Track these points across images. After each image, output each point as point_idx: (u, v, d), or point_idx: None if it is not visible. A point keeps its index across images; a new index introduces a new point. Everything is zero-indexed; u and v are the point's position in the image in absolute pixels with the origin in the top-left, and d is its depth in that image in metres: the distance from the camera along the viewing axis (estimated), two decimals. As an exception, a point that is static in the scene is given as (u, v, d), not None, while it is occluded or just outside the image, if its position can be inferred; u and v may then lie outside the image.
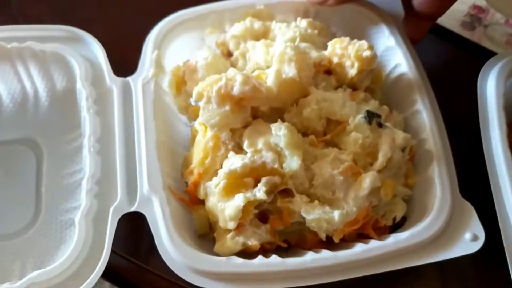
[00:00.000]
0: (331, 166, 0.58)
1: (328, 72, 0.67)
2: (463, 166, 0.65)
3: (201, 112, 0.59)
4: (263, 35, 0.70)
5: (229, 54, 0.70)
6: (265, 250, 0.60)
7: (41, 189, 0.67)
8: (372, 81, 0.67)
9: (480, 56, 0.80)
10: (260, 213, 0.60)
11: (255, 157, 0.57)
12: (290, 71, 0.59)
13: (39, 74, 0.70)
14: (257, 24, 0.70)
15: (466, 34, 0.85)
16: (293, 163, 0.57)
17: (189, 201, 0.62)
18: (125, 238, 0.65)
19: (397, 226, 0.63)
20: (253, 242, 0.57)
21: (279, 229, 0.61)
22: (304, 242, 0.61)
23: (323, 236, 0.58)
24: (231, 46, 0.70)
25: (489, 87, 0.68)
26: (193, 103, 0.61)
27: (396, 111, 0.67)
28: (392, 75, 0.70)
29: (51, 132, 0.70)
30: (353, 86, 0.66)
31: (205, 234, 0.63)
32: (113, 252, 0.62)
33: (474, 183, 0.66)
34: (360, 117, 0.60)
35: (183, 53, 0.71)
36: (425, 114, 0.64)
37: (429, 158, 0.62)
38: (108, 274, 0.62)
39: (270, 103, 0.60)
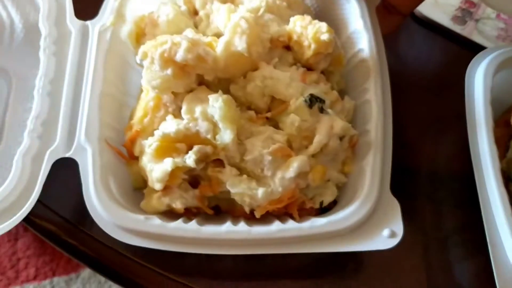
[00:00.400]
0: (262, 144, 0.59)
1: (287, 47, 0.66)
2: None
3: (143, 72, 0.59)
4: (232, -1, 0.68)
5: (195, 13, 0.69)
6: (192, 214, 0.62)
7: (5, 119, 0.69)
8: (331, 63, 0.66)
9: (470, 50, 0.79)
10: (193, 178, 0.62)
11: (191, 124, 0.58)
12: (240, 44, 0.59)
13: (12, 5, 0.70)
14: (227, -13, 0.68)
15: (457, 28, 0.84)
16: (225, 136, 0.58)
17: (127, 155, 0.63)
18: (63, 188, 0.66)
19: (327, 209, 0.64)
20: (178, 205, 0.59)
21: (211, 195, 0.62)
22: (234, 210, 0.63)
23: (246, 209, 0.60)
24: (197, 5, 0.68)
25: (477, 81, 0.67)
26: (138, 61, 0.62)
27: (348, 97, 0.66)
28: (354, 59, 0.69)
29: (22, 65, 0.71)
30: (309, 66, 0.65)
31: (140, 188, 0.64)
32: (48, 208, 0.65)
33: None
34: (301, 100, 0.60)
35: (149, 3, 0.70)
36: (374, 105, 0.64)
37: (367, 150, 0.62)
38: (41, 229, 0.66)
39: (216, 73, 0.60)
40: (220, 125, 0.58)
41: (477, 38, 0.83)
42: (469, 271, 0.66)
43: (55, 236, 0.65)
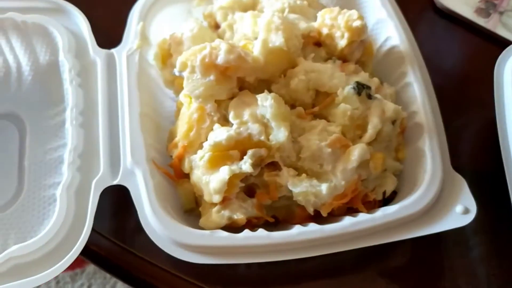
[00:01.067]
0: (318, 138, 0.56)
1: (317, 44, 0.65)
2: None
3: (185, 82, 0.57)
4: (252, 6, 0.68)
5: (217, 26, 0.69)
6: (252, 225, 0.58)
7: (23, 164, 0.65)
8: (363, 53, 0.65)
9: (494, 43, 0.78)
10: (247, 187, 0.59)
11: (241, 129, 0.56)
12: (277, 40, 0.57)
13: (21, 46, 0.68)
14: (246, -4, 0.68)
15: (480, 21, 0.82)
16: (279, 134, 0.56)
17: (174, 175, 0.60)
18: (110, 215, 0.63)
19: (388, 201, 0.61)
20: (239, 216, 0.56)
21: (267, 204, 0.59)
22: (293, 217, 0.60)
23: (310, 210, 0.57)
24: (219, 17, 0.68)
25: (506, 77, 0.66)
26: (177, 73, 0.60)
27: (387, 83, 0.65)
28: (383, 48, 0.68)
29: (35, 107, 0.68)
30: (343, 58, 0.64)
31: (191, 210, 0.61)
32: (97, 233, 0.61)
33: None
34: (349, 88, 0.59)
35: (170, 25, 0.69)
36: (416, 86, 0.63)
37: (420, 131, 0.61)
38: (92, 255, 0.62)
39: (256, 73, 0.59)
40: (273, 124, 0.56)
41: (502, 31, 0.81)
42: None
43: (109, 262, 0.61)
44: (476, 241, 0.63)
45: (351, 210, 0.60)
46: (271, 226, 0.60)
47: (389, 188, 0.60)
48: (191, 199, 0.60)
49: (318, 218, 0.58)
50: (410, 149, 0.62)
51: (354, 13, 0.62)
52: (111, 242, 0.62)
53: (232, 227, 0.57)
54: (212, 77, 0.56)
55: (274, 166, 0.58)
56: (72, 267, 1.30)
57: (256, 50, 0.58)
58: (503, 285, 0.61)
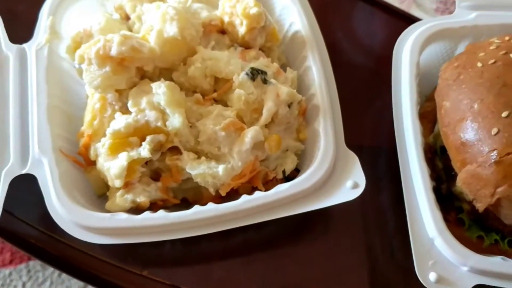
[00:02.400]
0: (213, 122, 0.59)
1: (223, 32, 0.68)
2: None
3: (84, 74, 0.60)
4: (160, -3, 0.70)
5: (127, 18, 0.71)
6: (159, 207, 0.62)
7: None
8: (267, 39, 0.68)
9: (409, 24, 0.78)
10: (154, 172, 0.62)
11: (139, 116, 0.59)
12: (171, 30, 0.60)
13: None
14: (154, -13, 0.70)
15: (395, 2, 0.85)
16: (175, 120, 0.59)
17: (83, 163, 0.63)
18: (33, 203, 0.66)
19: (292, 179, 0.65)
20: (142, 199, 0.59)
21: (176, 187, 0.63)
22: (201, 198, 0.63)
23: (211, 190, 0.60)
24: (128, 9, 0.70)
25: (404, 55, 0.68)
26: (76, 66, 0.62)
27: (290, 68, 0.68)
28: (288, 34, 0.71)
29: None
30: (247, 45, 0.67)
31: (105, 195, 0.64)
32: (22, 221, 0.65)
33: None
34: (243, 74, 0.61)
35: (84, 19, 0.71)
36: (314, 69, 0.66)
37: (316, 112, 0.64)
38: (20, 243, 0.66)
39: (155, 63, 0.61)
40: (168, 110, 0.59)
41: (416, 12, 0.84)
42: (398, 245, 0.66)
43: (29, 245, 0.64)
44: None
45: (255, 190, 0.63)
46: (182, 208, 0.63)
47: (289, 166, 0.64)
48: (101, 185, 0.63)
49: (225, 198, 0.61)
50: (309, 130, 0.65)
51: (250, 1, 0.64)
52: (36, 229, 0.66)
53: (139, 210, 0.61)
54: (108, 68, 0.59)
55: (176, 150, 0.61)
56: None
57: (152, 40, 0.60)
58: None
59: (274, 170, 0.64)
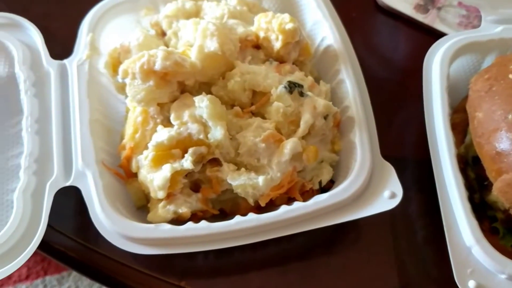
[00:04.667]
0: (253, 134, 0.61)
1: (257, 47, 0.70)
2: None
3: (127, 88, 0.61)
4: (195, 14, 0.72)
5: (163, 34, 0.73)
6: (199, 218, 0.63)
7: None
8: (300, 53, 0.70)
9: (434, 38, 0.80)
10: (193, 183, 0.64)
11: (181, 129, 0.61)
12: (212, 45, 0.62)
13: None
14: (189, 4, 0.72)
15: (419, 17, 0.87)
16: (217, 133, 0.60)
17: (125, 175, 0.65)
18: (72, 215, 0.68)
19: (327, 190, 0.66)
20: (184, 210, 0.60)
21: (214, 198, 0.64)
22: (238, 209, 0.65)
23: (251, 201, 0.62)
24: (164, 25, 0.72)
25: (434, 69, 0.70)
26: (120, 80, 0.64)
27: (323, 81, 0.70)
28: (320, 48, 0.73)
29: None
30: (281, 59, 0.69)
31: (143, 207, 0.66)
32: (61, 233, 0.66)
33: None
34: (281, 87, 0.63)
35: (120, 35, 0.73)
36: (348, 82, 0.67)
37: (351, 124, 0.65)
38: (58, 254, 0.67)
39: (195, 77, 0.63)
40: (210, 123, 0.60)
41: (439, 26, 0.86)
42: (430, 254, 0.67)
43: (67, 257, 0.65)
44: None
45: (292, 200, 0.64)
46: (220, 219, 0.64)
47: (325, 177, 0.65)
48: (141, 197, 0.65)
49: (263, 209, 0.62)
50: (344, 141, 0.66)
51: (286, 17, 0.66)
52: (75, 241, 0.67)
53: (180, 221, 0.62)
54: (151, 83, 0.60)
55: (216, 162, 0.63)
56: (58, 270, 1.35)
57: (193, 55, 0.62)
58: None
59: (310, 181, 0.65)
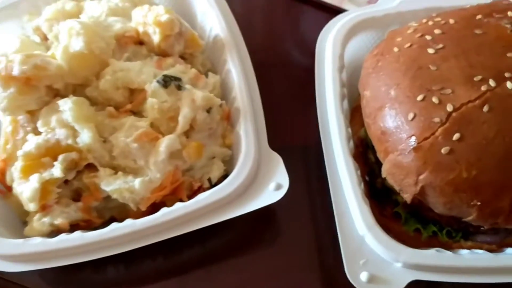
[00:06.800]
0: (125, 134, 0.58)
1: (141, 43, 0.66)
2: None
3: (-9, 99, 0.58)
4: (77, 14, 0.69)
5: (46, 38, 0.70)
6: (83, 229, 0.59)
7: None
8: (186, 46, 0.67)
9: None
10: (75, 192, 0.60)
11: (49, 135, 0.57)
12: (77, 44, 0.59)
13: None
14: (70, 5, 0.69)
15: None
16: (84, 136, 0.57)
17: (3, 189, 0.61)
18: None
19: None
20: (59, 221, 0.57)
21: (101, 206, 0.60)
22: (128, 215, 0.61)
23: (132, 206, 0.58)
24: (45, 29, 0.69)
25: (327, 48, 0.66)
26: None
27: (211, 73, 0.66)
28: (210, 38, 0.70)
29: None
30: (165, 53, 0.65)
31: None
32: None
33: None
34: (154, 82, 0.60)
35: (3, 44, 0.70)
36: (234, 72, 0.64)
37: (238, 115, 0.62)
38: None
39: (64, 80, 0.60)
40: (76, 126, 0.57)
41: (348, 6, 0.82)
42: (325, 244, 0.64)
43: None
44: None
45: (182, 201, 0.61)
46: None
47: (214, 174, 0.61)
48: (24, 210, 0.61)
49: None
50: (234, 134, 0.63)
51: (161, 8, 0.63)
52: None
53: (61, 232, 0.58)
54: (13, 89, 0.57)
55: (94, 168, 0.59)
56: None
57: (58, 57, 0.59)
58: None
59: (199, 179, 0.61)
